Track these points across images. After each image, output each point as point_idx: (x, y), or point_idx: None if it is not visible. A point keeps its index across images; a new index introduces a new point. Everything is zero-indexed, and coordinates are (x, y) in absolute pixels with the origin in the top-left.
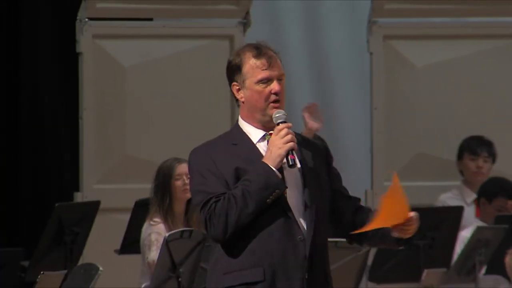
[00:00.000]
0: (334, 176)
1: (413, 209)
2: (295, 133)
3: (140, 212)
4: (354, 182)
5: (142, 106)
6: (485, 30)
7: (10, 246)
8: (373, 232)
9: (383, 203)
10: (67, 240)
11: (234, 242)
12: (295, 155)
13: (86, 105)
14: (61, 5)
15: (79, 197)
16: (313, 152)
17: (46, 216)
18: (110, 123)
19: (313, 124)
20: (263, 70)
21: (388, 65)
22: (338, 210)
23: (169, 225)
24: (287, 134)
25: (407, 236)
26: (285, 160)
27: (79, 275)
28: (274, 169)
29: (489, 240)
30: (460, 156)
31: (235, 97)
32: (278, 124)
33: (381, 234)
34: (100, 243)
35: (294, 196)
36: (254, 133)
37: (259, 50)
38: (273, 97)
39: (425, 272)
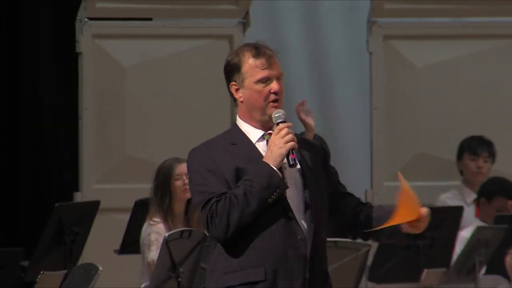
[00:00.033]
0: (331, 174)
1: None
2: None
3: (139, 212)
4: (354, 182)
5: (141, 106)
6: (485, 30)
7: (10, 246)
8: (385, 227)
9: (400, 200)
10: (67, 240)
11: (235, 242)
12: (295, 154)
13: (86, 105)
14: (61, 5)
15: (79, 197)
16: (311, 152)
17: (46, 216)
18: (110, 123)
19: (311, 121)
20: (262, 69)
21: (388, 65)
22: (339, 207)
23: (169, 225)
24: (287, 133)
25: (419, 231)
26: (285, 160)
27: (78, 275)
28: (275, 168)
29: (489, 240)
30: (460, 156)
31: (233, 96)
32: (277, 123)
33: (390, 229)
34: (100, 243)
35: (294, 196)
36: (252, 133)
37: (258, 50)
38: (272, 97)
39: (425, 272)
